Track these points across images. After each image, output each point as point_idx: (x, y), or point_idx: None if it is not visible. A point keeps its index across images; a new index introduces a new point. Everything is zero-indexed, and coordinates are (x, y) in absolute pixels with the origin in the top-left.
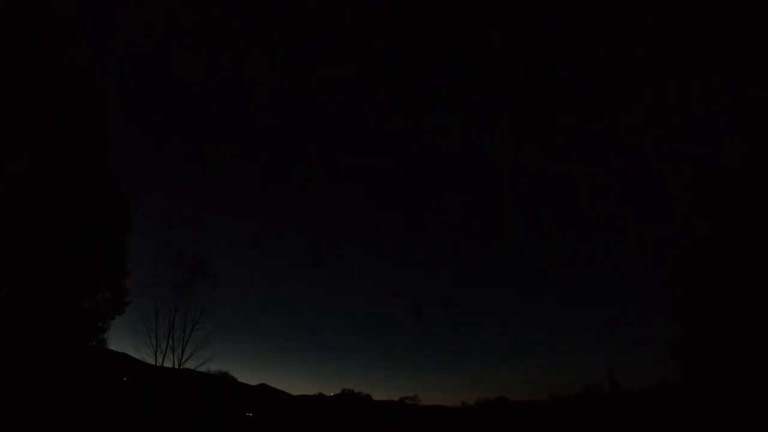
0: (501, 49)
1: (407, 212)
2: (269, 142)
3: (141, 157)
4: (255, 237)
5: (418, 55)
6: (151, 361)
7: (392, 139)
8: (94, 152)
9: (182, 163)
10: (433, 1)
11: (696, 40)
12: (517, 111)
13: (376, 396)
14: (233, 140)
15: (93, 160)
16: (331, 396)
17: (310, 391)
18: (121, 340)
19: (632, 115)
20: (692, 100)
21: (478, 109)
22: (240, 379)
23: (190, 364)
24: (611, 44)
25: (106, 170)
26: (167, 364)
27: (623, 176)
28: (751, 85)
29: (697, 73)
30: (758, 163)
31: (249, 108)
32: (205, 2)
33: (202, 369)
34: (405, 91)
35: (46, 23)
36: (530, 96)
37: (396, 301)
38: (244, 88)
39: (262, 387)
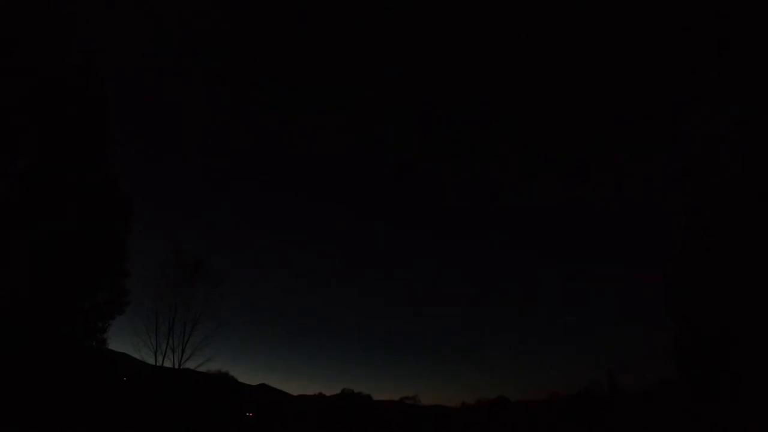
0: (501, 53)
1: (408, 214)
2: (269, 142)
3: (141, 157)
4: (255, 237)
5: (415, 59)
6: (151, 361)
7: (394, 148)
8: (94, 153)
9: (182, 163)
10: (432, 5)
11: (695, 41)
12: (514, 114)
13: (376, 396)
14: (233, 140)
15: (93, 160)
16: (331, 396)
17: (310, 391)
18: (121, 340)
19: (632, 115)
20: (692, 100)
21: (476, 114)
22: (240, 379)
23: (190, 364)
24: (611, 46)
25: (107, 170)
26: (167, 364)
27: (623, 176)
28: (750, 84)
29: (697, 73)
30: (758, 163)
31: (248, 107)
32: (204, 4)
33: (202, 369)
34: (403, 100)
35: (46, 24)
36: (528, 99)
37: (396, 302)
38: (245, 88)
39: (262, 387)
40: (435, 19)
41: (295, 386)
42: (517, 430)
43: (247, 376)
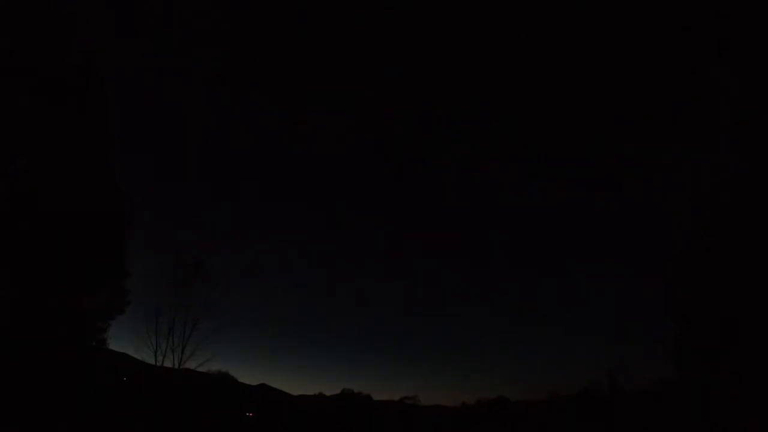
0: (501, 53)
1: (407, 215)
2: (270, 143)
3: (141, 157)
4: (255, 236)
5: (415, 59)
6: (151, 361)
7: (394, 148)
8: (94, 152)
9: (182, 164)
10: (432, 5)
11: (695, 41)
12: (514, 114)
13: (376, 396)
14: (233, 139)
15: (93, 160)
16: (331, 396)
17: (310, 391)
18: (121, 340)
19: (631, 115)
20: (692, 100)
21: (476, 114)
22: (240, 379)
23: (190, 364)
24: (610, 46)
25: (107, 170)
26: (167, 364)
27: (623, 175)
28: (750, 84)
29: (697, 73)
30: (758, 163)
31: (249, 108)
32: (204, 4)
33: (202, 369)
34: (403, 100)
35: (47, 24)
36: (528, 99)
37: (396, 301)
38: (245, 88)
39: (262, 387)
40: (435, 19)
41: (295, 386)
42: (517, 430)
43: (247, 376)
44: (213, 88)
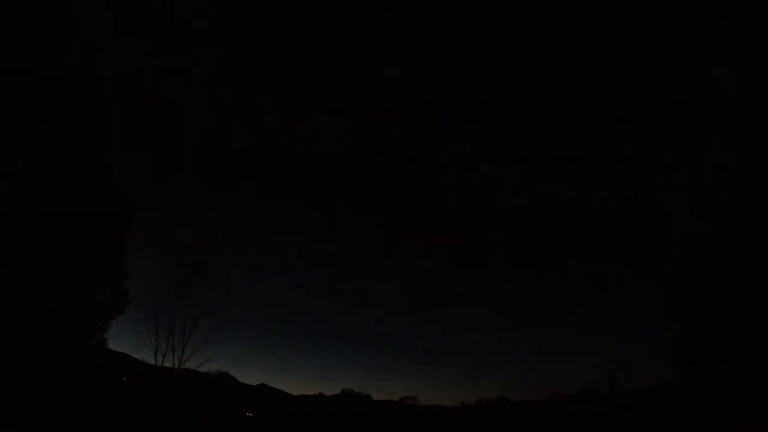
0: (501, 53)
1: (407, 215)
2: (270, 143)
3: (141, 157)
4: (255, 236)
5: (415, 59)
6: (151, 361)
7: (394, 149)
8: (94, 152)
9: (182, 164)
10: (432, 5)
11: (695, 41)
12: (514, 114)
13: (376, 396)
14: (233, 139)
15: (93, 160)
16: (331, 396)
17: (310, 391)
18: (121, 340)
19: (632, 115)
20: (692, 100)
21: (476, 114)
22: (240, 379)
23: (190, 364)
24: (610, 46)
25: (107, 170)
26: (167, 364)
27: (623, 175)
28: (750, 84)
29: (697, 73)
30: (758, 163)
31: (249, 108)
32: (204, 4)
33: (202, 369)
34: (404, 100)
35: (47, 24)
36: (528, 99)
37: (396, 301)
38: (245, 88)
39: (262, 387)
40: (435, 19)
41: (295, 386)
42: (517, 430)
43: (247, 376)
44: (213, 88)
